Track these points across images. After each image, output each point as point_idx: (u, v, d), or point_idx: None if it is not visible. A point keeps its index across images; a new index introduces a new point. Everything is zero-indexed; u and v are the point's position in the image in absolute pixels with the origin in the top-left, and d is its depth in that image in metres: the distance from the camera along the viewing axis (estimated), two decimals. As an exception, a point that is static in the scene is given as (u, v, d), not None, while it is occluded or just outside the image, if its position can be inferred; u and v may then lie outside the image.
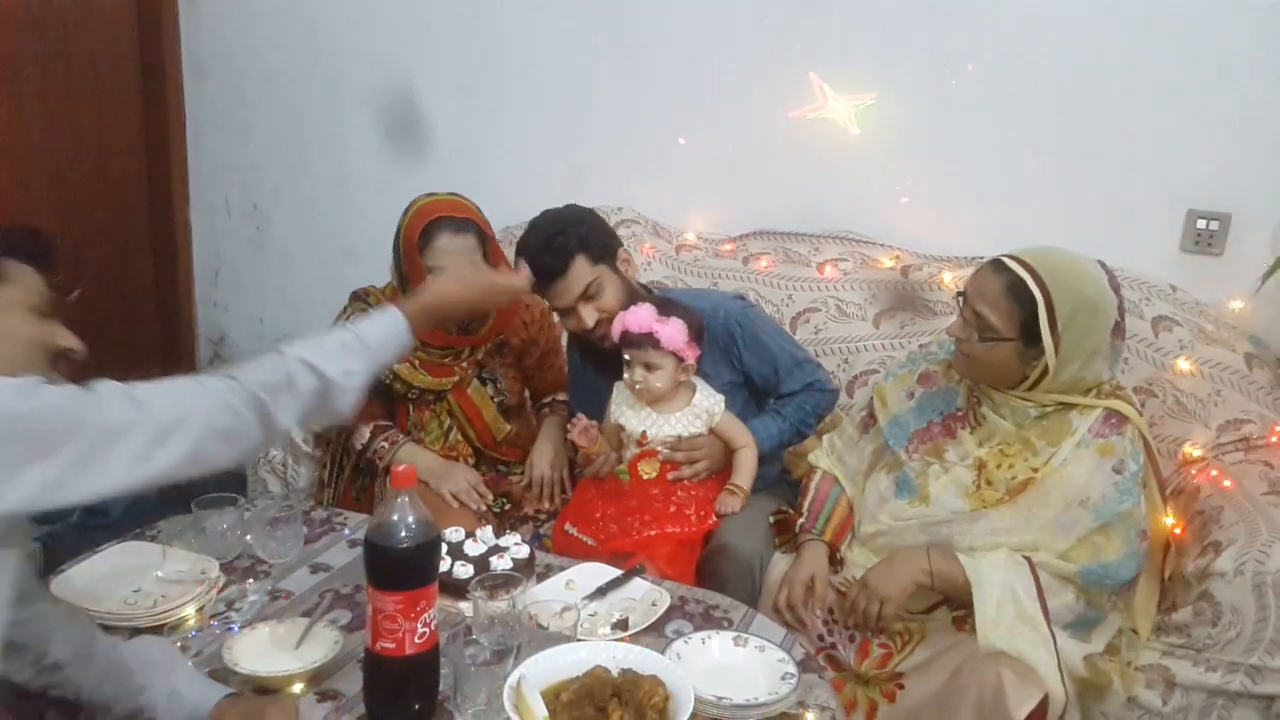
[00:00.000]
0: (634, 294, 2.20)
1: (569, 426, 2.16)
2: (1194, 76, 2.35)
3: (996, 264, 1.82)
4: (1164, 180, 2.42)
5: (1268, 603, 1.72)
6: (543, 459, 2.35)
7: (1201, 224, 2.40)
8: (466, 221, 2.24)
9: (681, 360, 2.09)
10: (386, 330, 1.49)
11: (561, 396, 2.50)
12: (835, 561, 2.00)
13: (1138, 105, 2.41)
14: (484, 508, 2.23)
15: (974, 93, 2.54)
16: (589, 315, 2.14)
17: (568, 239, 2.11)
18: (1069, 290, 1.76)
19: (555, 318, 2.53)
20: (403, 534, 1.31)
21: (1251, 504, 1.91)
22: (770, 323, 2.37)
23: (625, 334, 2.08)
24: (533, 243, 2.14)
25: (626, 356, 2.09)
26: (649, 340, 2.06)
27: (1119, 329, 1.82)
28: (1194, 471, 2.12)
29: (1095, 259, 1.86)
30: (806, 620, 1.89)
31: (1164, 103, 2.38)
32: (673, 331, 2.06)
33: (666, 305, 2.10)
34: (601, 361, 2.23)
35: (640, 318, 2.07)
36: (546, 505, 2.31)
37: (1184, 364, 2.25)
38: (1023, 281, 1.76)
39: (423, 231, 2.20)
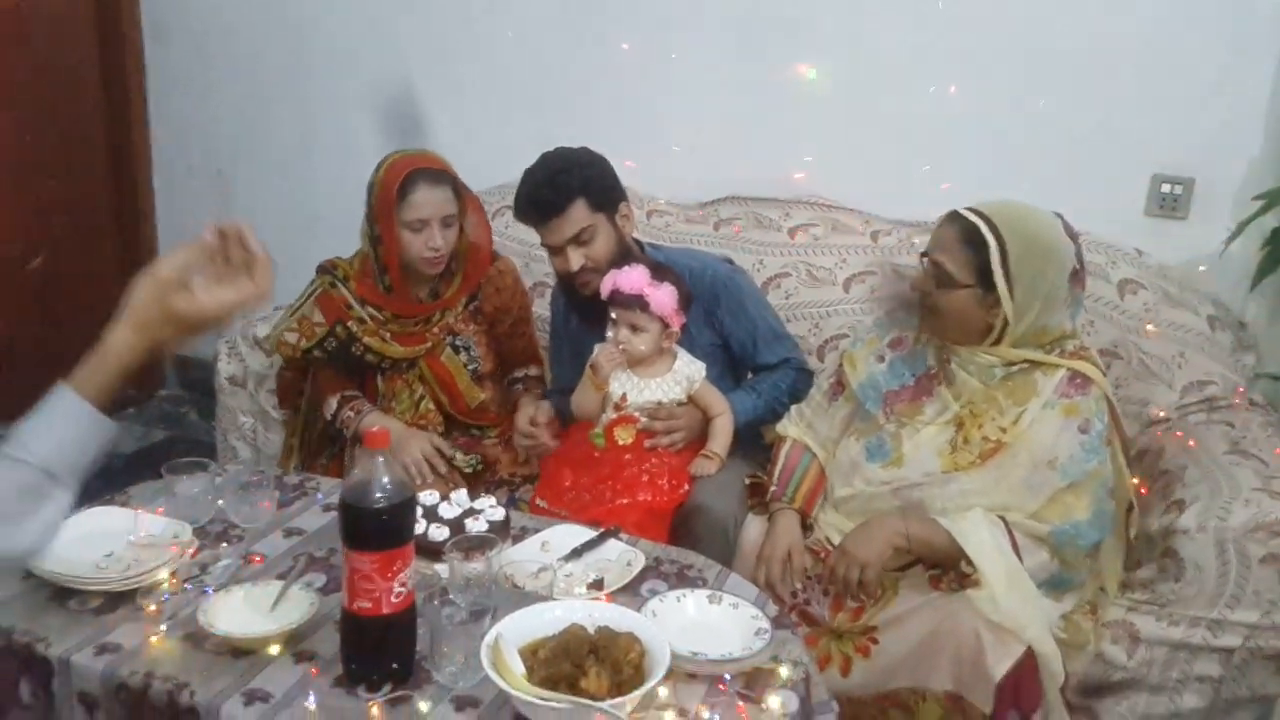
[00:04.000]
0: (626, 249, 2.20)
1: (597, 351, 2.13)
2: (1157, 43, 2.37)
3: (953, 215, 1.87)
4: (1129, 145, 2.44)
5: (1229, 558, 1.76)
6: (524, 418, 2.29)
7: (1166, 188, 2.44)
8: (442, 174, 2.24)
9: (667, 326, 2.09)
10: (76, 439, 1.19)
11: (534, 371, 2.50)
12: (807, 529, 2.02)
13: (1102, 71, 2.43)
14: (432, 478, 2.20)
15: (941, 60, 2.55)
16: (575, 259, 2.14)
17: (571, 179, 2.12)
18: (1022, 235, 1.80)
19: (527, 284, 2.53)
20: (377, 494, 1.31)
21: (1214, 463, 1.95)
22: (755, 292, 2.39)
23: (615, 293, 2.08)
24: (538, 175, 2.15)
25: (613, 315, 2.09)
26: (638, 302, 2.06)
27: (1077, 276, 1.86)
28: (1159, 432, 2.16)
29: (1054, 212, 1.89)
30: (785, 596, 1.91)
31: (1128, 69, 2.40)
32: (663, 296, 2.06)
33: (660, 270, 2.10)
34: (585, 312, 2.23)
35: (633, 278, 2.07)
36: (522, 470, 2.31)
37: (1149, 326, 2.29)
38: (976, 228, 1.81)
39: (400, 185, 2.18)
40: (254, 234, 1.26)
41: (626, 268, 2.10)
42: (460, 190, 2.28)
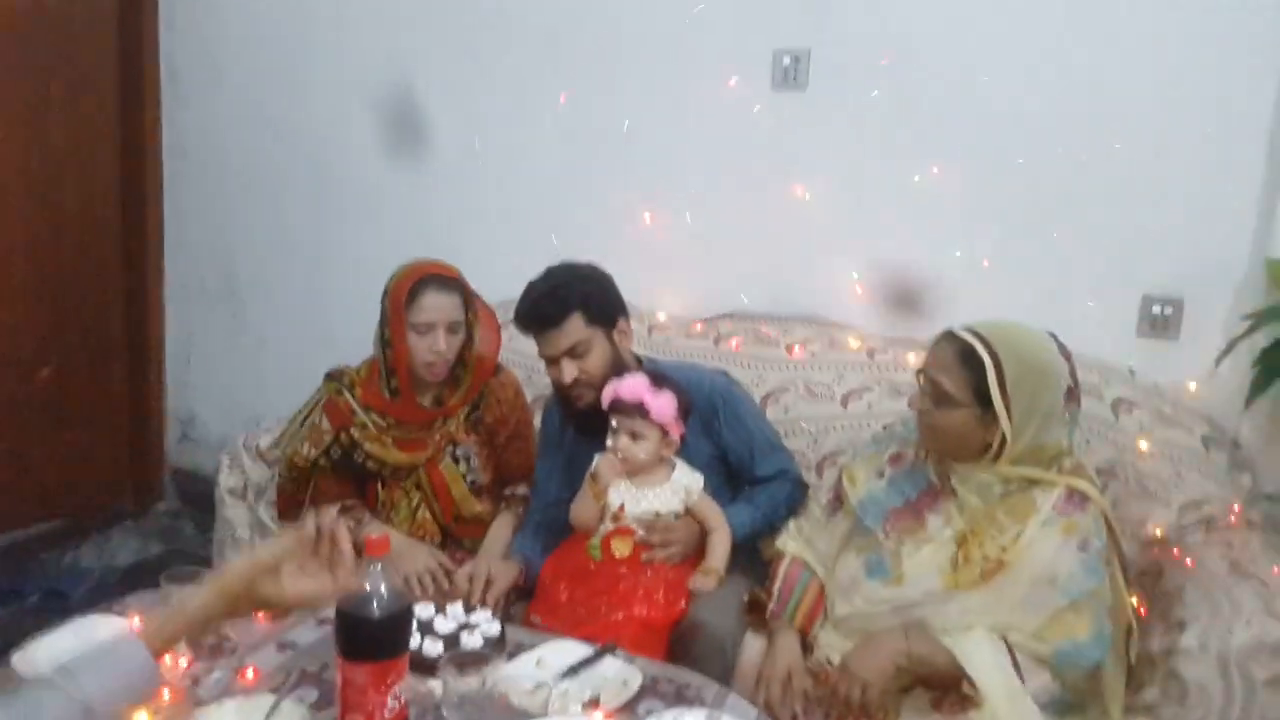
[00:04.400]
0: (621, 365, 2.23)
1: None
2: (1145, 166, 2.44)
3: (949, 334, 1.90)
4: (1119, 267, 2.50)
5: (1233, 681, 1.74)
6: (482, 563, 2.27)
7: (1156, 309, 2.48)
8: (453, 281, 2.31)
9: (666, 434, 2.11)
10: (125, 687, 1.22)
11: (522, 490, 2.49)
12: (806, 648, 2.00)
13: (1094, 194, 2.49)
14: (433, 592, 2.20)
15: (936, 182, 2.63)
16: (569, 371, 2.18)
17: (570, 293, 2.17)
18: (1016, 355, 1.83)
19: (530, 398, 2.56)
20: (375, 603, 1.31)
21: (1214, 582, 1.94)
22: (751, 403, 2.42)
23: (616, 400, 2.10)
24: (539, 287, 2.21)
25: (613, 423, 2.11)
26: (638, 409, 2.08)
27: (1072, 394, 1.89)
28: (1156, 551, 2.14)
29: (1047, 331, 1.93)
30: (785, 718, 1.88)
31: (1118, 191, 2.47)
32: (663, 404, 2.09)
33: (660, 379, 2.13)
34: (581, 424, 2.25)
35: (633, 386, 2.10)
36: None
37: (1144, 445, 2.30)
38: (972, 348, 1.84)
39: (410, 289, 2.25)
40: (347, 536, 1.38)
41: (627, 375, 2.13)
42: (470, 299, 2.34)
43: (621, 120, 2.93)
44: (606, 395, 2.13)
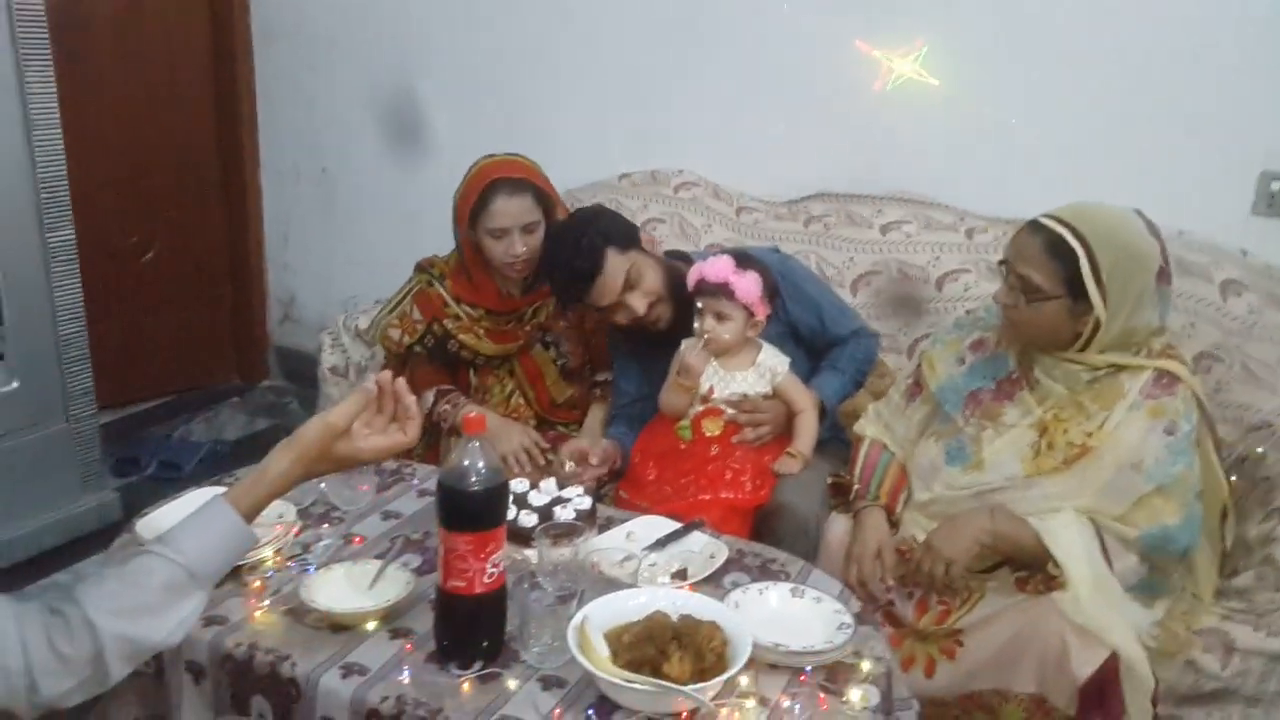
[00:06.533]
0: (674, 269, 2.22)
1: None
2: (1268, 34, 2.29)
3: (1034, 225, 1.81)
4: (1235, 141, 2.36)
5: (1331, 567, 1.71)
6: (584, 440, 2.32)
7: (1275, 186, 2.35)
8: (522, 182, 2.27)
9: (752, 315, 2.11)
10: (221, 548, 1.30)
11: (611, 378, 2.51)
12: (893, 525, 2.02)
13: (1208, 63, 2.35)
14: (530, 469, 2.24)
15: (1038, 50, 2.51)
16: (639, 302, 2.15)
17: (592, 237, 2.13)
18: (1108, 240, 1.75)
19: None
20: (473, 478, 1.36)
21: (1318, 470, 1.89)
22: (809, 272, 2.41)
23: (701, 282, 2.10)
24: (560, 255, 2.16)
25: (699, 305, 2.10)
26: (724, 290, 2.08)
27: (1164, 274, 1.81)
28: (1260, 437, 2.09)
29: (1133, 209, 1.85)
30: (879, 594, 1.91)
31: (1236, 61, 2.33)
32: (748, 284, 2.08)
33: (744, 259, 2.12)
34: (646, 349, 2.25)
35: (718, 267, 2.09)
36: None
37: (1254, 328, 2.22)
38: (1061, 238, 1.76)
39: (480, 195, 2.24)
40: (408, 390, 1.42)
41: (711, 257, 2.12)
42: (546, 195, 2.31)
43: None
44: (692, 278, 2.12)
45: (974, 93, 2.60)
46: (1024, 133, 2.57)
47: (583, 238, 2.14)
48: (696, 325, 2.11)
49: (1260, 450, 2.04)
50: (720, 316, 2.10)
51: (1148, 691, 1.72)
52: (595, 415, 2.45)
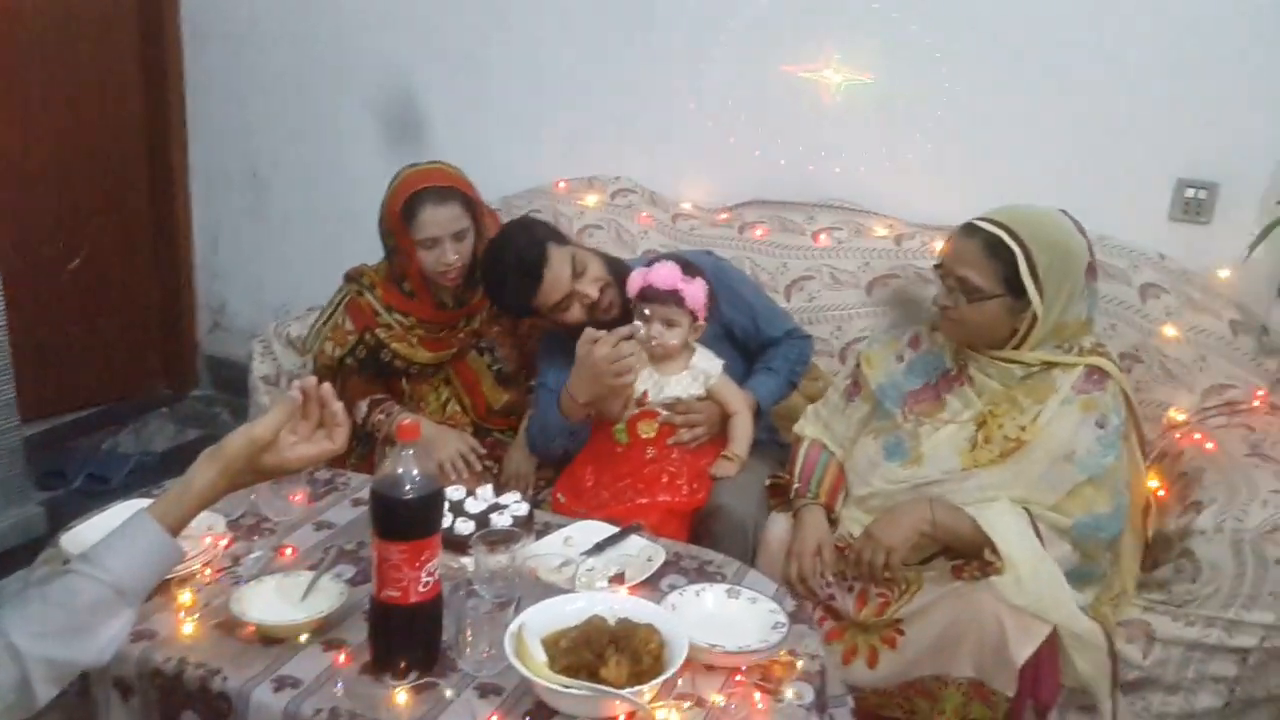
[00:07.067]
0: (608, 256, 2.24)
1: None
2: (1182, 47, 2.37)
3: (969, 228, 1.88)
4: (1153, 149, 2.44)
5: (1245, 559, 1.78)
6: (519, 455, 2.33)
7: (1190, 193, 2.43)
8: (449, 190, 2.26)
9: (696, 320, 2.12)
10: (148, 564, 1.28)
11: None
12: (832, 522, 2.05)
13: (1128, 75, 2.43)
14: (468, 475, 2.24)
15: (966, 62, 2.56)
16: (591, 287, 2.16)
17: (531, 235, 2.15)
18: (1042, 239, 1.83)
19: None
20: (407, 486, 1.35)
21: (1233, 465, 1.96)
22: (741, 274, 2.44)
23: (649, 289, 2.11)
24: (503, 260, 2.15)
25: (645, 311, 2.10)
26: (673, 296, 2.09)
27: (1091, 269, 1.90)
28: (1178, 435, 2.17)
29: (1058, 209, 1.93)
30: (819, 590, 1.94)
31: (1153, 73, 2.41)
32: (696, 290, 2.11)
33: (686, 265, 2.15)
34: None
35: (667, 274, 2.10)
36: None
37: (1170, 330, 2.30)
38: (999, 239, 1.83)
39: (405, 206, 2.22)
40: (334, 396, 1.40)
41: (656, 264, 2.13)
42: (473, 201, 2.30)
43: (649, 6, 2.86)
44: (635, 284, 2.13)
45: (903, 104, 2.65)
46: (950, 143, 2.62)
47: (521, 239, 2.15)
48: (641, 330, 2.08)
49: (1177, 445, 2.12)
50: (669, 323, 2.11)
51: (1103, 657, 1.77)
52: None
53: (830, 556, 1.95)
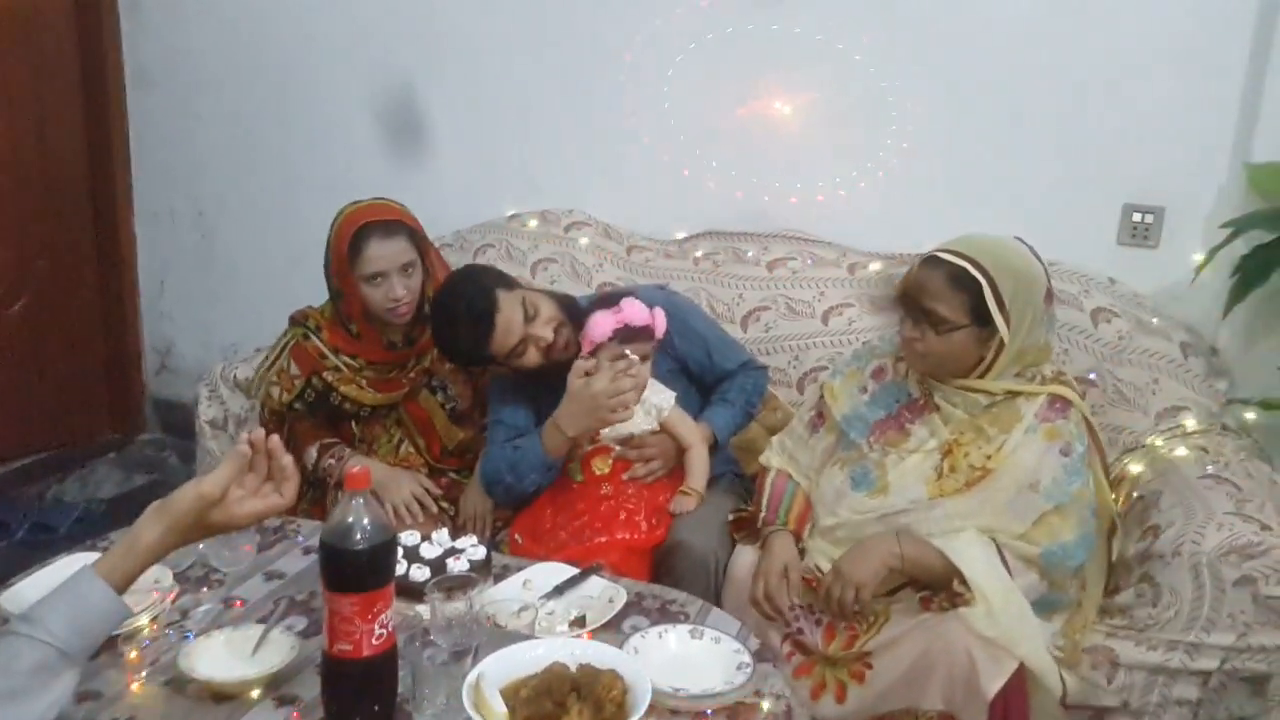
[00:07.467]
0: (557, 294, 2.23)
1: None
2: (1125, 73, 2.41)
3: (932, 260, 1.88)
4: (1100, 175, 2.48)
5: (1203, 582, 1.78)
6: (476, 495, 2.30)
7: (1137, 217, 2.47)
8: (394, 224, 2.23)
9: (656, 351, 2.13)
10: (93, 624, 1.25)
11: None
12: (800, 552, 2.02)
13: (1073, 103, 2.46)
14: (424, 518, 2.20)
15: (915, 92, 2.59)
16: (545, 330, 2.14)
17: (478, 284, 2.13)
18: (1005, 268, 1.84)
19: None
20: (358, 535, 1.31)
21: (1188, 488, 1.97)
22: (694, 307, 2.44)
23: (627, 328, 2.09)
24: (453, 310, 2.12)
25: (627, 351, 2.08)
26: (647, 332, 2.10)
27: (1049, 294, 1.91)
28: (1133, 458, 2.18)
29: (1014, 236, 1.95)
30: (785, 610, 1.92)
31: (1098, 99, 2.44)
32: (661, 321, 2.12)
33: (647, 300, 2.15)
34: (533, 385, 2.22)
35: (638, 311, 2.10)
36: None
37: (1123, 353, 2.31)
38: (964, 270, 1.83)
39: (351, 241, 2.19)
40: (283, 450, 1.39)
41: (624, 302, 2.12)
42: (418, 235, 2.28)
43: (598, 40, 2.86)
44: (605, 325, 2.09)
45: (855, 134, 2.67)
46: (901, 172, 2.64)
47: (468, 288, 2.12)
48: (636, 364, 2.07)
49: (1134, 469, 2.13)
50: (645, 357, 2.10)
51: (1056, 699, 1.78)
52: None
53: (796, 579, 1.94)
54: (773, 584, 1.93)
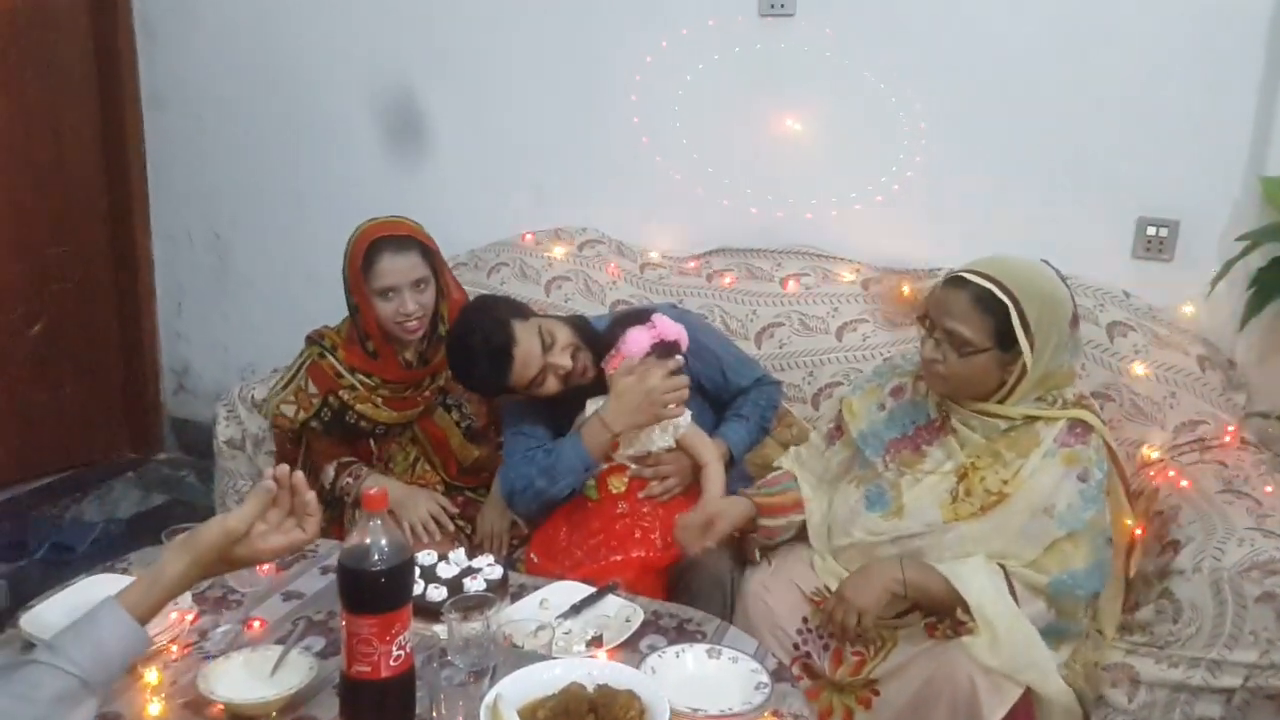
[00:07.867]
0: (571, 319, 2.23)
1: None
2: (1139, 86, 2.40)
3: (958, 280, 1.85)
4: (1114, 188, 2.47)
5: (1225, 598, 1.76)
6: (493, 513, 2.32)
7: (1152, 230, 2.46)
8: (407, 239, 2.25)
9: None
10: (115, 654, 1.27)
11: None
12: (755, 530, 2.05)
13: (1086, 116, 2.46)
14: (441, 536, 2.22)
15: (927, 107, 2.59)
16: (563, 357, 2.14)
17: (493, 316, 2.12)
18: (1031, 291, 1.81)
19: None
20: (375, 557, 1.32)
21: (1208, 502, 1.96)
22: (706, 325, 2.44)
23: (662, 343, 2.12)
24: (471, 345, 2.11)
25: (669, 365, 2.11)
26: (679, 346, 2.13)
27: (1075, 319, 1.89)
28: (1152, 473, 2.16)
29: (1041, 259, 1.92)
30: (691, 549, 1.95)
31: (1112, 113, 2.44)
32: (684, 335, 2.14)
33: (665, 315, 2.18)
34: (550, 407, 2.22)
35: (669, 326, 2.13)
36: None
37: (1139, 368, 2.30)
38: (989, 292, 1.80)
39: (365, 255, 2.21)
40: (307, 486, 1.42)
41: (654, 317, 2.13)
42: (432, 252, 2.29)
43: (608, 59, 2.87)
44: (641, 342, 2.11)
45: (868, 149, 2.67)
46: (914, 187, 2.64)
47: (485, 321, 2.12)
48: (671, 368, 2.11)
49: (1153, 485, 2.12)
50: (678, 370, 2.12)
51: None
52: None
53: (724, 528, 1.96)
54: (697, 519, 1.96)
